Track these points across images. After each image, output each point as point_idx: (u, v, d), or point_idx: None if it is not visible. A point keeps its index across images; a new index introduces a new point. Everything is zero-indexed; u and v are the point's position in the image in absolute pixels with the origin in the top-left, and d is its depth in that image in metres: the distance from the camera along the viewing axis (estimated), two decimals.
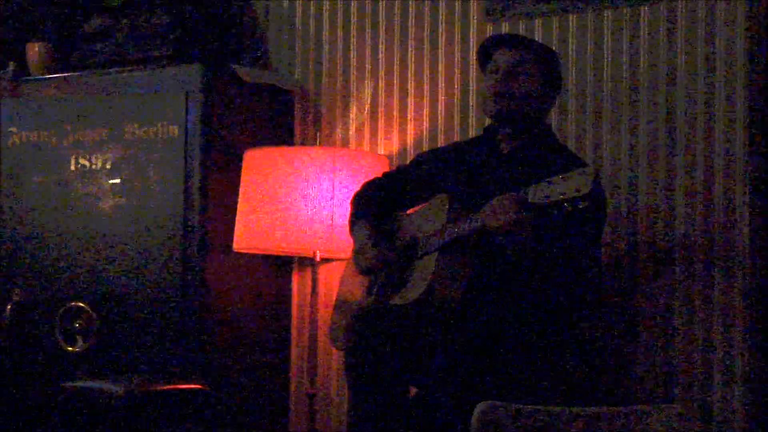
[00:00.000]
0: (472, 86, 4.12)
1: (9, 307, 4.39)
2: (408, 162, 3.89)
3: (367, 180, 3.77)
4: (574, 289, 3.23)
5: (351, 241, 3.64)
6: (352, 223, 3.65)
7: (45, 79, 4.55)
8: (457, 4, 4.17)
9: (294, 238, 4.00)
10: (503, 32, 3.97)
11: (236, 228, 4.10)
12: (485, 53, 3.50)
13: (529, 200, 3.01)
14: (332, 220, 3.96)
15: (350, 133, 4.37)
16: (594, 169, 2.90)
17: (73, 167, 4.38)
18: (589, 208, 2.96)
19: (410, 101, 4.25)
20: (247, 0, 4.60)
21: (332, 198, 3.98)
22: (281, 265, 4.41)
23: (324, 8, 4.45)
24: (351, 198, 3.73)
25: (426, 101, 4.22)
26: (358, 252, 3.56)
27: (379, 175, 3.80)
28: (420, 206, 3.59)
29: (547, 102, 3.46)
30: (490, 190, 3.22)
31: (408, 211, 3.65)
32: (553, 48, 3.71)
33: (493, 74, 3.43)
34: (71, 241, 4.35)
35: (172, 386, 3.97)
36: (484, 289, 3.29)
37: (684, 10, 3.73)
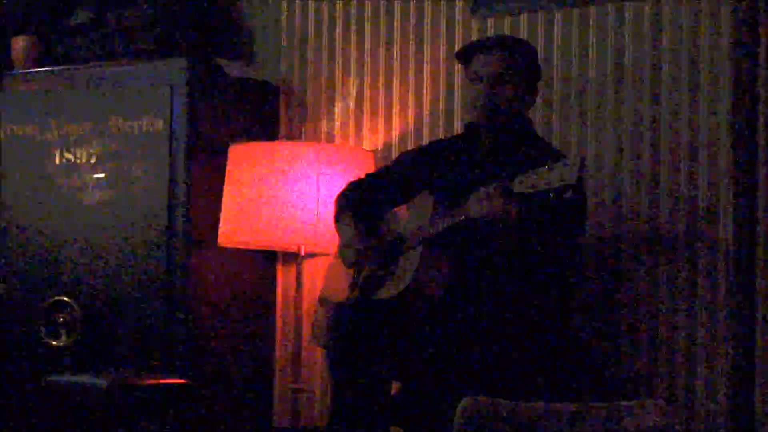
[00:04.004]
0: (458, 82, 4.11)
1: None
2: (391, 162, 3.88)
3: (350, 180, 3.76)
4: (557, 281, 3.26)
5: (336, 237, 3.63)
6: (338, 218, 3.64)
7: (30, 72, 4.53)
8: None
9: (279, 233, 3.99)
10: (484, 35, 3.98)
11: (221, 222, 4.10)
12: (465, 56, 3.49)
13: (514, 190, 3.01)
14: (317, 215, 3.96)
15: (335, 128, 4.36)
16: (580, 159, 2.88)
17: (57, 161, 4.37)
18: (574, 199, 2.96)
19: (395, 96, 4.25)
20: None
21: (317, 193, 3.97)
22: (266, 260, 4.41)
23: (309, 2, 4.44)
24: (335, 197, 3.71)
25: (411, 97, 4.22)
26: (344, 246, 3.55)
27: (362, 175, 3.79)
28: (405, 205, 3.59)
29: (530, 97, 3.47)
30: (474, 186, 3.22)
31: (394, 210, 3.65)
32: (536, 45, 3.72)
33: (476, 82, 3.42)
34: (55, 235, 4.34)
35: (156, 381, 3.97)
36: (469, 283, 3.29)
37: (668, 6, 3.74)
